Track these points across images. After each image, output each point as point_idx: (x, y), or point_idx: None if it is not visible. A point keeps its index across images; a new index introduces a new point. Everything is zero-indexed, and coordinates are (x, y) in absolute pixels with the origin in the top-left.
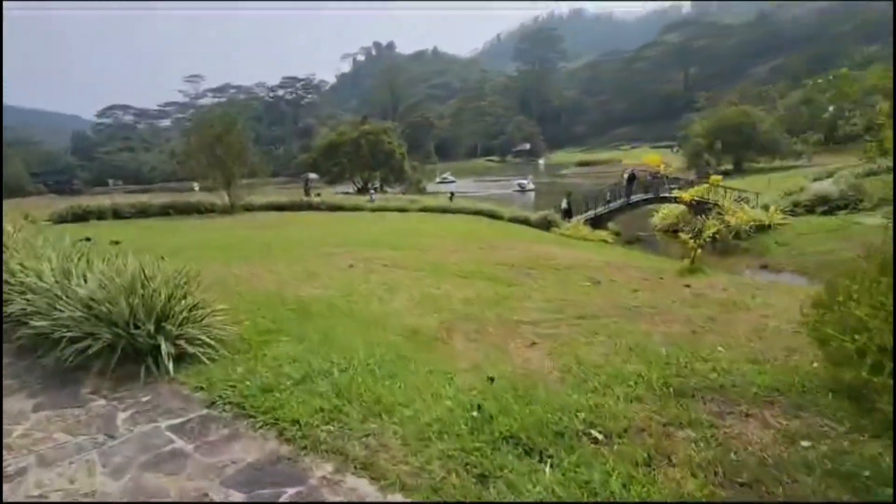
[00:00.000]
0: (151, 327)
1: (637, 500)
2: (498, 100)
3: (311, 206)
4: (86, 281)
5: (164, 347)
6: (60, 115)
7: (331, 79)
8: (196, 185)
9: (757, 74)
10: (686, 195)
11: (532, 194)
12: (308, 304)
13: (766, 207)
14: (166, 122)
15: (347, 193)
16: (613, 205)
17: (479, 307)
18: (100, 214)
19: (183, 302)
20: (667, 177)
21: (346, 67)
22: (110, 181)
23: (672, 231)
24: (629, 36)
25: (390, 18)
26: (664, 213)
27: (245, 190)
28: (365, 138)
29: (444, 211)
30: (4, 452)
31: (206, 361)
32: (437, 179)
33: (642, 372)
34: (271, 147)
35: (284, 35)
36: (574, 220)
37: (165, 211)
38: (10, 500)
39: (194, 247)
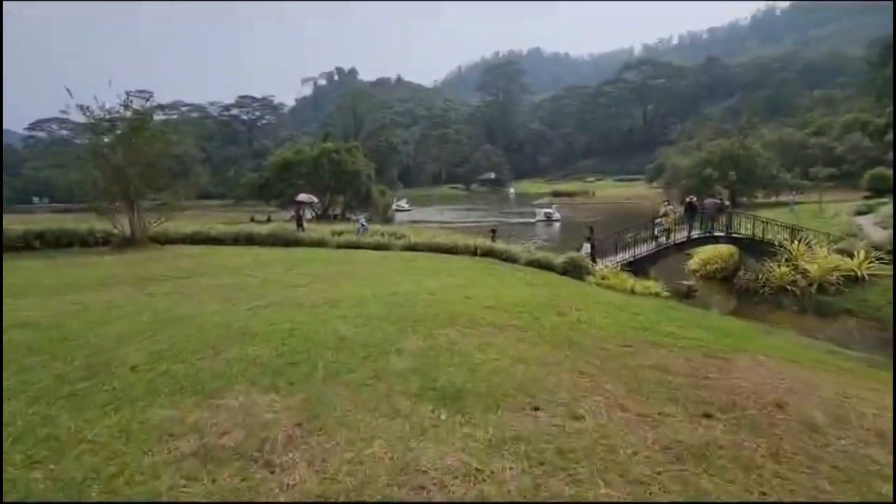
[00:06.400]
0: None
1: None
2: (463, 128)
3: (250, 240)
4: None
5: None
6: None
7: (290, 101)
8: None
9: (710, 114)
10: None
11: (558, 225)
12: None
13: (844, 252)
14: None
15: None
16: (658, 244)
17: None
18: None
19: None
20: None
21: (307, 91)
22: (35, 199)
23: (719, 277)
24: (584, 75)
25: (352, 45)
26: (706, 256)
27: (163, 214)
28: (327, 157)
29: (445, 250)
30: None
31: None
32: (393, 206)
33: None
34: (223, 167)
35: (241, 56)
36: (608, 262)
37: (28, 242)
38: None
39: None
